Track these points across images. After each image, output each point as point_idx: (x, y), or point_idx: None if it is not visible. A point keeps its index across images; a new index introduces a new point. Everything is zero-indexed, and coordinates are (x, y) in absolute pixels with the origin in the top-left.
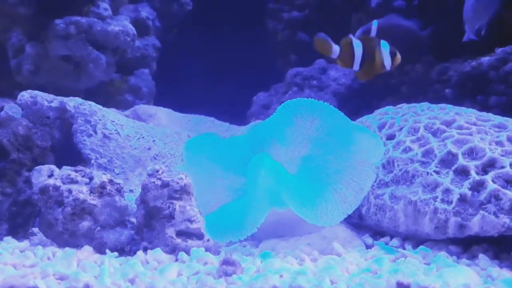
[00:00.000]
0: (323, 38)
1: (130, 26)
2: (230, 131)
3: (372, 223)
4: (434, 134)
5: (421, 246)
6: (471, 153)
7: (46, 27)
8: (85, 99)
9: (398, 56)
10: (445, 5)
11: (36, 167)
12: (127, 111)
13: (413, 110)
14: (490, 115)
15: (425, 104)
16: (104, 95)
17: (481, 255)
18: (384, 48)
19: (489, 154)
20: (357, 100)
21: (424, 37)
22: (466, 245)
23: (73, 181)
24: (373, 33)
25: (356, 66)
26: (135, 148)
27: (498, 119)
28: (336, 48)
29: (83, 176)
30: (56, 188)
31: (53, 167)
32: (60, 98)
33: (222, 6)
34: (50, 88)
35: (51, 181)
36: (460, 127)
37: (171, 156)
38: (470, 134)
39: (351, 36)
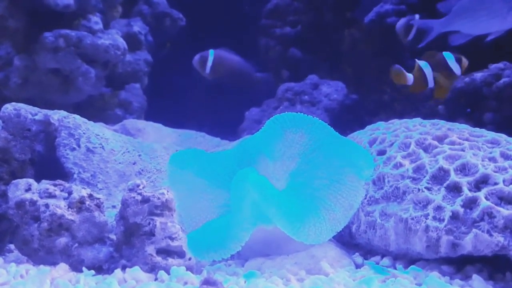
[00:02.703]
0: (399, 69)
1: (121, 40)
2: (221, 146)
3: (363, 242)
4: (426, 149)
5: (412, 266)
6: (464, 169)
7: (36, 40)
8: (75, 113)
9: (464, 60)
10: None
11: (13, 181)
12: (115, 126)
13: (404, 126)
14: (483, 131)
15: (417, 120)
16: (94, 109)
17: (474, 276)
18: (449, 58)
19: (482, 170)
20: (349, 116)
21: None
22: (460, 265)
23: (51, 196)
24: (209, 62)
25: (431, 83)
26: (119, 163)
27: (491, 134)
28: (410, 76)
29: (61, 191)
30: (33, 202)
31: (31, 181)
32: (45, 111)
33: (215, 22)
34: (38, 102)
35: (27, 196)
36: (452, 143)
37: (157, 171)
38: (463, 150)
39: (416, 60)
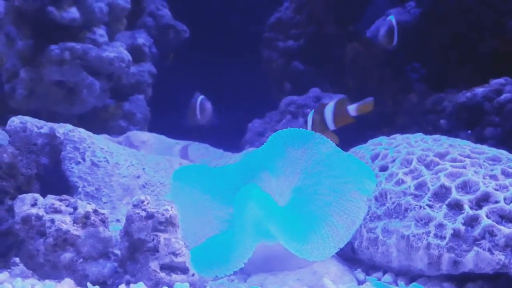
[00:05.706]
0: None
1: (126, 52)
2: (224, 158)
3: (365, 258)
4: (427, 166)
5: (413, 283)
6: (465, 186)
7: (42, 53)
8: (79, 125)
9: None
10: (440, 37)
11: (19, 196)
12: (119, 137)
13: (406, 141)
14: (484, 148)
15: (419, 135)
16: (98, 121)
17: None
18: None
19: (483, 188)
20: (351, 130)
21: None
22: (461, 282)
23: (57, 211)
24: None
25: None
26: (124, 176)
27: (492, 151)
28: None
29: (67, 206)
30: (39, 217)
31: (37, 195)
32: (50, 124)
33: (219, 35)
34: (43, 113)
35: (33, 211)
36: (453, 160)
37: (160, 184)
38: (464, 167)
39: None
